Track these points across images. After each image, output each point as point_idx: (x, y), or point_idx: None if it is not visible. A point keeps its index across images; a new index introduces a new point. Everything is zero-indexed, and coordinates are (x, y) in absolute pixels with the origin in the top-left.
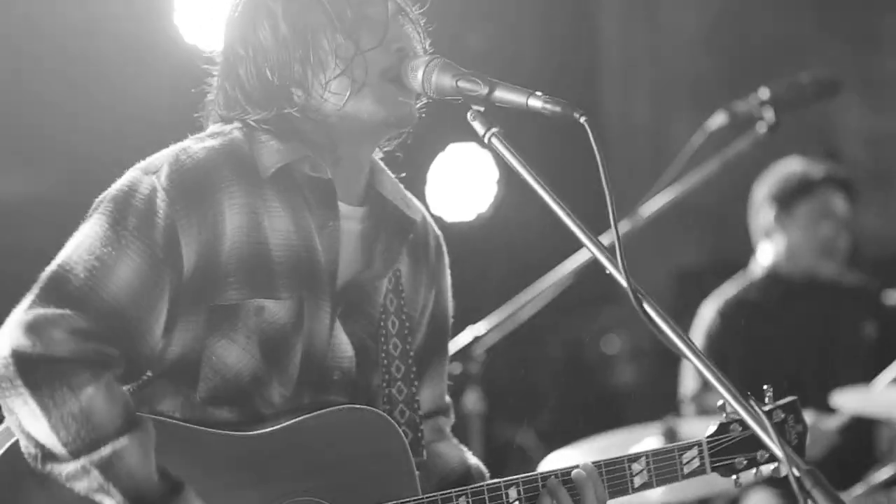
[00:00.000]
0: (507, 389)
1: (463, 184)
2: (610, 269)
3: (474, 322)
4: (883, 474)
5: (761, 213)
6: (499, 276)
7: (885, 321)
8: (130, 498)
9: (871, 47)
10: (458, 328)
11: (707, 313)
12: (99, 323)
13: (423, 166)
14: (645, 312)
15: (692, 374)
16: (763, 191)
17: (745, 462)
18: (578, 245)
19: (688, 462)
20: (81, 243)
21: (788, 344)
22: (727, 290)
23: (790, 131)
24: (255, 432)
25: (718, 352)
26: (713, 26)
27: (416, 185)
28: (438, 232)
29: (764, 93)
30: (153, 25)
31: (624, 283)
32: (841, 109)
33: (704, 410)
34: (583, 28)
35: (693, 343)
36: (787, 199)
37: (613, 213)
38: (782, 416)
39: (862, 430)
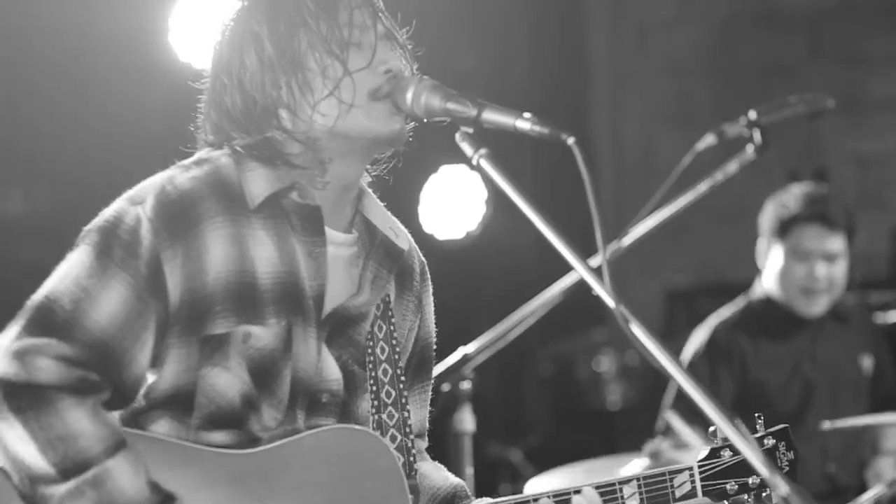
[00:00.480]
0: (497, 408)
1: (454, 203)
2: (597, 289)
3: (465, 340)
4: (867, 497)
5: (759, 242)
6: (490, 294)
7: (877, 352)
8: None
9: (859, 69)
10: (450, 347)
11: (700, 337)
12: (84, 352)
13: (416, 187)
14: (632, 333)
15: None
16: (762, 221)
17: (736, 487)
18: (568, 264)
19: (679, 486)
20: (67, 273)
21: (780, 376)
22: (722, 314)
23: (780, 153)
24: (250, 451)
25: (709, 375)
26: (703, 48)
27: (410, 204)
28: (423, 259)
29: (752, 115)
30: (148, 46)
31: (611, 303)
32: (830, 130)
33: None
34: (573, 49)
35: (681, 364)
36: (770, 236)
37: (601, 234)
38: (773, 442)
39: (852, 456)
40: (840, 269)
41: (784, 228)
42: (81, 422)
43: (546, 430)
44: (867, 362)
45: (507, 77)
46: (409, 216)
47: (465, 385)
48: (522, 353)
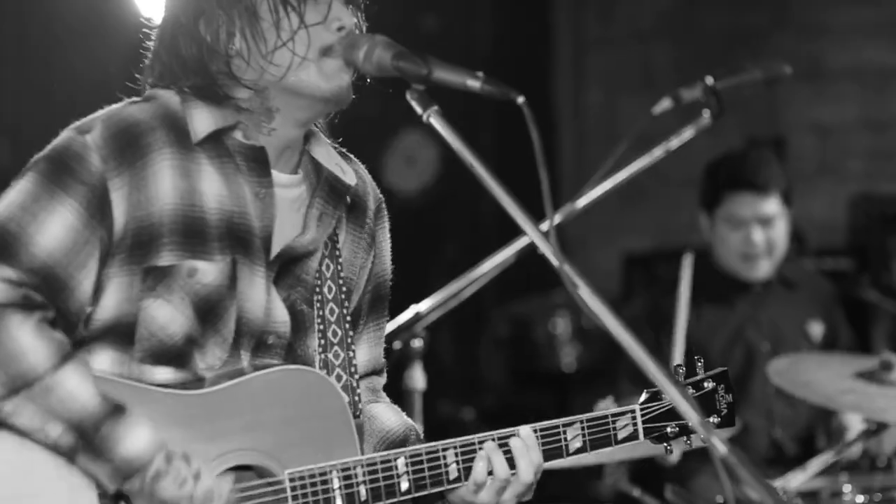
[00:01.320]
0: (451, 368)
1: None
2: (544, 250)
3: (421, 298)
4: (821, 461)
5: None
6: (450, 252)
7: (831, 320)
8: (73, 423)
9: (821, 38)
10: (406, 304)
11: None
12: (29, 275)
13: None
14: (577, 293)
15: None
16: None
17: (676, 430)
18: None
19: (622, 428)
20: (13, 200)
21: (722, 341)
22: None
23: (740, 120)
24: (198, 391)
25: (653, 339)
26: (666, 15)
27: (372, 162)
28: (381, 195)
29: (709, 80)
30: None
31: (556, 264)
32: (790, 98)
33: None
34: (536, 15)
35: (623, 323)
36: (704, 207)
37: (548, 196)
38: (713, 385)
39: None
40: (779, 231)
41: (714, 200)
42: (27, 337)
43: (501, 390)
44: (816, 329)
45: (470, 42)
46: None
47: (417, 343)
48: (479, 314)
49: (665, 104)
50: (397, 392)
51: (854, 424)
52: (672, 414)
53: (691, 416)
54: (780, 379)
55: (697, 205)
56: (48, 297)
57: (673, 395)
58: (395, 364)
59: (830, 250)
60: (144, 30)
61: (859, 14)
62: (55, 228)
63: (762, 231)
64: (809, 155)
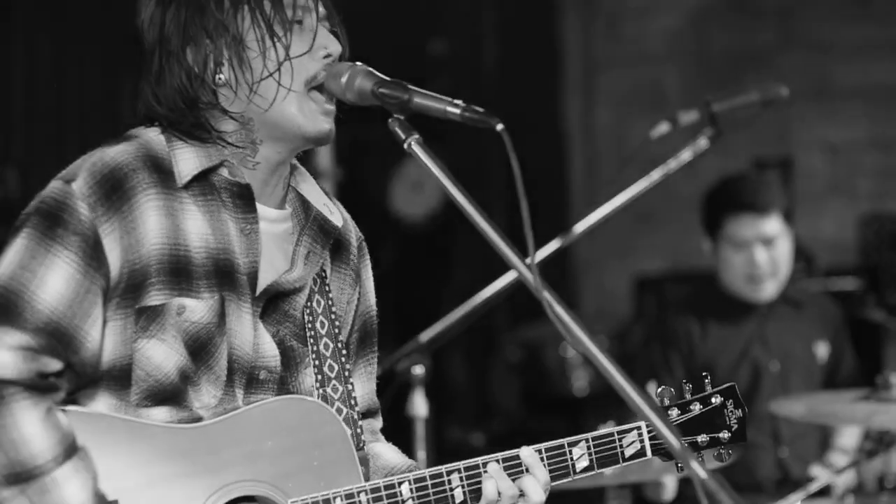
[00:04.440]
0: (462, 393)
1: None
2: (524, 279)
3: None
4: (817, 483)
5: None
6: (457, 279)
7: (836, 340)
8: None
9: (829, 57)
10: (411, 332)
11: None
12: (38, 336)
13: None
14: (558, 319)
15: None
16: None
17: (686, 445)
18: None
19: (628, 445)
20: (11, 260)
21: (729, 359)
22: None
23: (749, 140)
24: (198, 424)
25: (662, 358)
26: (675, 36)
27: (379, 186)
28: (360, 234)
29: (707, 103)
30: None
31: (536, 292)
32: (799, 118)
33: None
34: (544, 36)
35: (603, 350)
36: (707, 232)
37: (527, 217)
38: (720, 400)
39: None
40: (782, 250)
41: (715, 223)
42: (34, 426)
43: (512, 415)
44: (822, 349)
45: (478, 65)
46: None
47: (419, 370)
48: (490, 338)
49: (663, 128)
50: (401, 419)
51: (848, 444)
52: (682, 430)
53: (671, 441)
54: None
55: (701, 230)
56: (61, 354)
57: (654, 422)
58: (399, 391)
59: (840, 270)
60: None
61: (867, 33)
62: (56, 283)
63: (765, 251)
64: (819, 175)
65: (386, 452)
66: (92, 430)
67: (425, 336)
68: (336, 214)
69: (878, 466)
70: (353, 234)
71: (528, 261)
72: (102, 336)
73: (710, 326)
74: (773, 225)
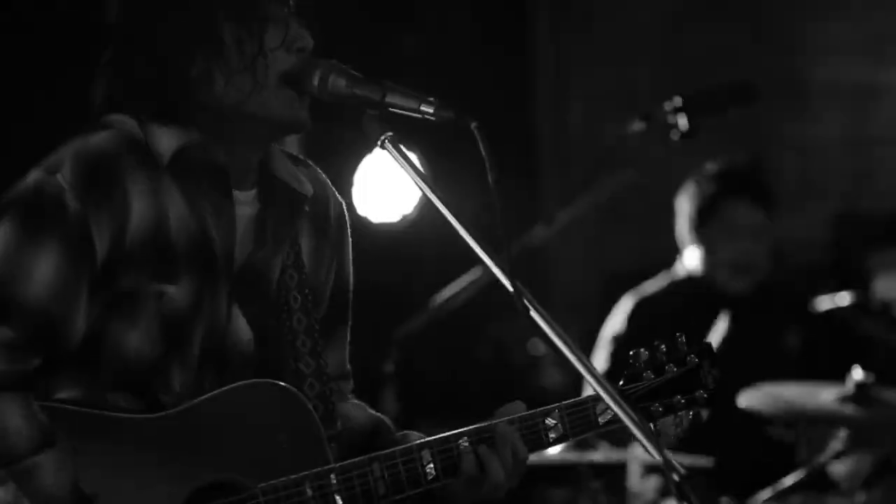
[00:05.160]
0: (428, 390)
1: (389, 186)
2: (496, 274)
3: (398, 323)
4: (791, 478)
5: (679, 224)
6: (425, 277)
7: (809, 329)
8: None
9: (802, 56)
10: (381, 329)
11: (622, 309)
12: (24, 330)
13: (349, 169)
14: (529, 317)
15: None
16: (680, 202)
17: (661, 409)
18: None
19: (602, 412)
20: None
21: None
22: (647, 289)
23: (719, 138)
24: (160, 414)
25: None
26: (647, 34)
27: (344, 187)
28: (341, 200)
29: (677, 100)
30: None
31: (509, 287)
32: (771, 117)
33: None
34: (517, 34)
35: (573, 342)
36: (696, 215)
37: (499, 216)
38: (696, 360)
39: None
40: (765, 247)
41: (712, 206)
42: (13, 418)
43: (481, 413)
44: (794, 341)
45: (449, 63)
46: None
47: (389, 367)
48: (460, 336)
49: (636, 126)
50: None
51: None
52: (656, 394)
53: (644, 441)
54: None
55: (683, 214)
56: (45, 347)
57: (626, 420)
58: (368, 388)
59: (812, 269)
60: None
61: (839, 31)
62: (43, 276)
63: (754, 243)
64: (790, 173)
65: (350, 412)
66: (57, 425)
67: (401, 331)
68: (305, 184)
69: (852, 465)
70: (333, 204)
71: (501, 257)
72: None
73: (684, 322)
74: (765, 219)
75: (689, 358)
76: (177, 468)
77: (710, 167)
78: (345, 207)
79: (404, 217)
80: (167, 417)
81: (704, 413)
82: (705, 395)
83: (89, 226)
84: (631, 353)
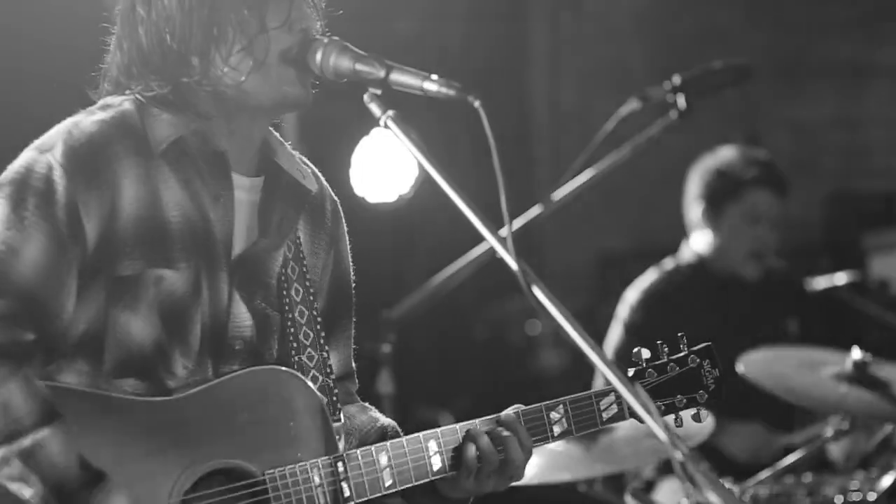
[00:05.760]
0: (425, 371)
1: (385, 166)
2: (501, 253)
3: (395, 303)
4: (788, 459)
5: (692, 206)
6: (421, 257)
7: (805, 315)
8: (50, 487)
9: (796, 36)
10: (377, 309)
11: (630, 300)
12: (13, 306)
13: (347, 149)
14: (534, 297)
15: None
16: (694, 184)
17: (662, 407)
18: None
19: (606, 408)
20: None
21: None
22: (651, 277)
23: (715, 118)
24: (168, 398)
25: (638, 340)
26: (641, 14)
27: (341, 167)
28: (335, 197)
29: (676, 79)
30: None
31: (513, 266)
32: (766, 96)
33: None
34: (510, 14)
35: (578, 325)
36: (716, 199)
37: (504, 197)
38: (697, 361)
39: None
40: (777, 236)
41: (737, 191)
42: (15, 393)
43: (479, 393)
44: (793, 325)
45: (444, 43)
46: (340, 179)
47: (386, 348)
48: (457, 317)
49: (633, 105)
50: (367, 397)
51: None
52: (659, 391)
53: (649, 420)
54: (755, 373)
55: (699, 197)
56: (34, 326)
57: (630, 399)
58: (365, 369)
59: (806, 249)
60: (105, 25)
61: (833, 11)
62: (32, 254)
63: (771, 231)
64: (784, 153)
65: (357, 414)
66: (63, 406)
67: (397, 310)
68: (310, 178)
69: (848, 446)
70: (328, 198)
71: (503, 233)
72: (77, 307)
73: (691, 308)
74: (782, 209)
75: (690, 358)
76: (181, 453)
77: (727, 152)
78: (339, 204)
79: (401, 197)
80: (174, 401)
81: (704, 413)
82: (705, 396)
83: (78, 208)
84: (633, 351)
